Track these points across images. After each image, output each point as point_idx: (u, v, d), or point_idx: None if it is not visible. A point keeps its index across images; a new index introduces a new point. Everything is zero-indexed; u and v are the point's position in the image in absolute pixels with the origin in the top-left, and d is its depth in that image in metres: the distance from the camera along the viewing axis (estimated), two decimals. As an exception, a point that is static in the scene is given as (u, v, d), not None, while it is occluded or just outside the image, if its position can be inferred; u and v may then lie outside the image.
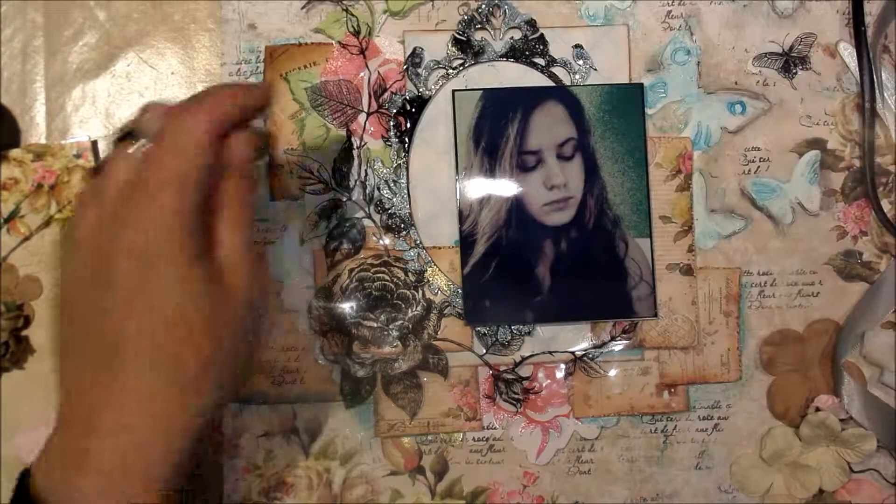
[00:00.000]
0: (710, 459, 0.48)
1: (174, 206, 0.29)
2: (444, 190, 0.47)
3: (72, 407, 0.30)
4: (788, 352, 0.48)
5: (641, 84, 0.47)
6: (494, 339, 0.47)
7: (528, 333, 0.47)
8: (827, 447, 0.47)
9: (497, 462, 0.47)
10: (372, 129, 0.47)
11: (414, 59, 0.47)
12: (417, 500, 0.47)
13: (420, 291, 0.47)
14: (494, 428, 0.47)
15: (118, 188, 0.31)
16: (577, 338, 0.47)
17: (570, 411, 0.47)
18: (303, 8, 0.47)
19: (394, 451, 0.47)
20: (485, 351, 0.47)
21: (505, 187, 0.46)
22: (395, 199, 0.47)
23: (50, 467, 0.30)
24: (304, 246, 0.47)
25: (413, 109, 0.47)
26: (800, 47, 0.48)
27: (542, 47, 0.47)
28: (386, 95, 0.47)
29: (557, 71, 0.47)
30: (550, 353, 0.47)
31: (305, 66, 0.47)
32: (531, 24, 0.47)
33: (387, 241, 0.47)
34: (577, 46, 0.47)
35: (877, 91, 0.48)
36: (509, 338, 0.47)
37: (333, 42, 0.47)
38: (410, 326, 0.47)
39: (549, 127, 0.46)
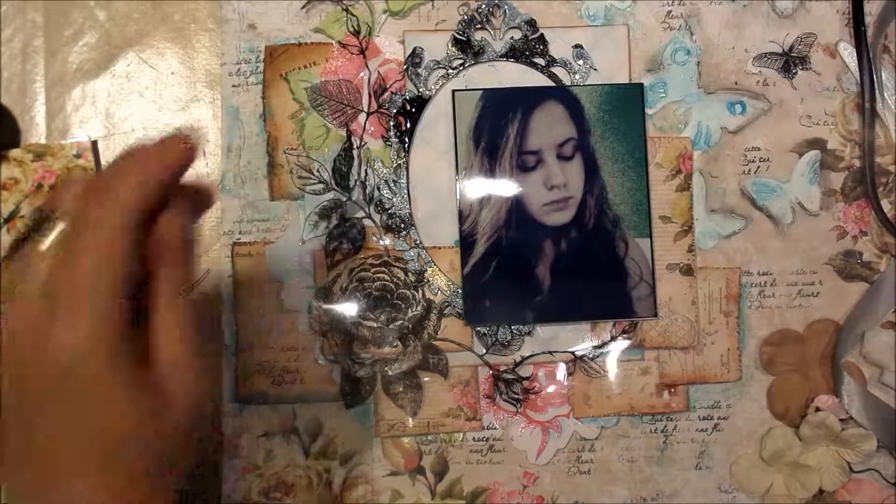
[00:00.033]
0: (710, 459, 0.48)
1: (102, 305, 0.27)
2: (444, 190, 0.47)
3: None
4: (788, 352, 0.48)
5: (641, 84, 0.47)
6: (494, 339, 0.47)
7: (528, 333, 0.47)
8: (827, 447, 0.47)
9: (497, 462, 0.47)
10: (372, 129, 0.47)
11: (414, 59, 0.47)
12: (417, 500, 0.47)
13: (420, 291, 0.47)
14: (494, 428, 0.47)
15: (41, 290, 0.28)
16: (577, 338, 0.47)
17: (570, 411, 0.47)
18: (303, 8, 0.47)
19: (394, 451, 0.47)
20: (485, 351, 0.47)
21: (505, 187, 0.46)
22: (395, 199, 0.47)
23: None
24: (304, 246, 0.47)
25: (413, 109, 0.47)
26: (800, 47, 0.48)
27: (542, 47, 0.47)
28: (386, 95, 0.47)
29: (557, 71, 0.47)
30: (550, 353, 0.47)
31: (305, 66, 0.47)
32: (531, 24, 0.47)
33: (387, 241, 0.47)
34: (577, 46, 0.47)
35: (877, 91, 0.48)
36: (509, 338, 0.47)
37: (333, 42, 0.47)
38: (410, 326, 0.47)
39: (549, 127, 0.46)
